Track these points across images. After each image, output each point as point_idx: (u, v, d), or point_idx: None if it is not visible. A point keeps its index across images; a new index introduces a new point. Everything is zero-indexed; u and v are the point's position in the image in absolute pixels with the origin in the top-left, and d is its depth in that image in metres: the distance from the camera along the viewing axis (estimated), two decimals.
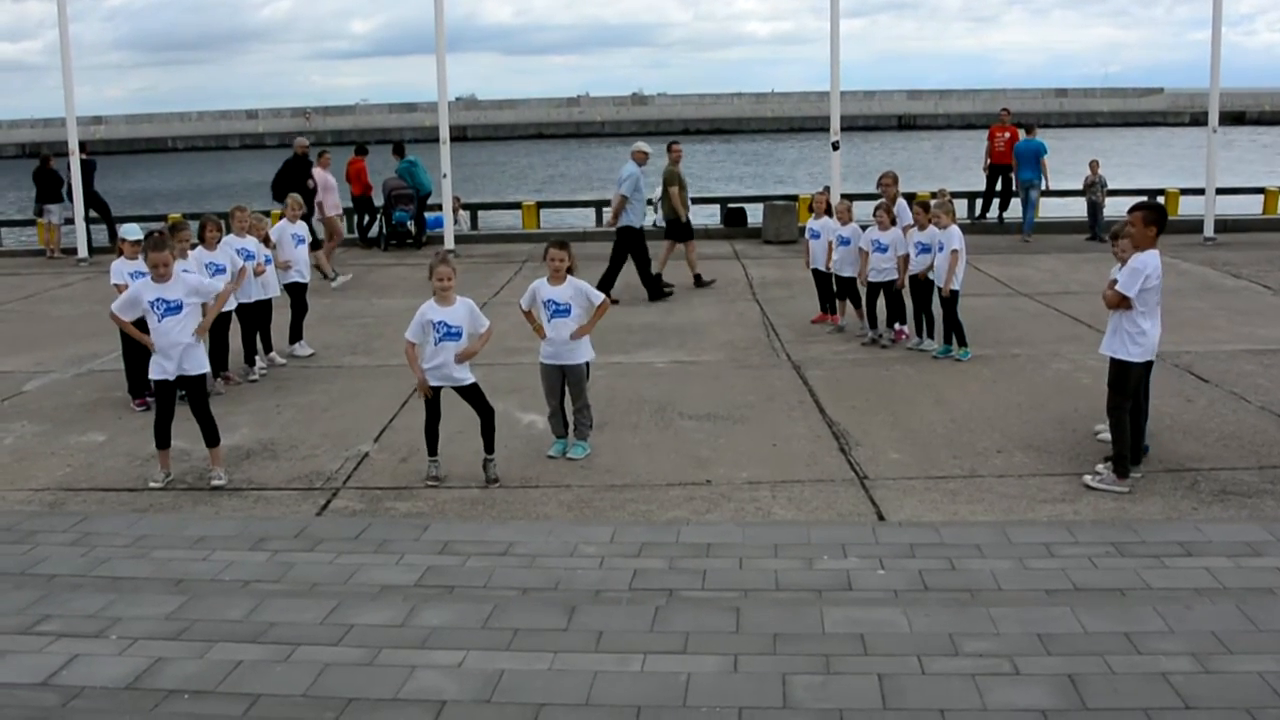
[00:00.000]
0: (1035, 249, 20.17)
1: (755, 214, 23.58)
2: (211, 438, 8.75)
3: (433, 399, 8.61)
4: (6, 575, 6.81)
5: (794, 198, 23.78)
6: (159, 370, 8.63)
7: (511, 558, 6.93)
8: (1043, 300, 15.31)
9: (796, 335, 13.60)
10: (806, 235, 14.52)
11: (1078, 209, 22.65)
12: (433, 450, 8.71)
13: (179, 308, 8.56)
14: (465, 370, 8.60)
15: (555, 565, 6.80)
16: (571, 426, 9.23)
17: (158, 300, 8.58)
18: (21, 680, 5.49)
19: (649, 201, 17.71)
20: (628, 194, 16.04)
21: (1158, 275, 8.03)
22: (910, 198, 14.88)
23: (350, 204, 23.18)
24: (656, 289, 16.32)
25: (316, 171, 19.75)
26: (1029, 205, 21.74)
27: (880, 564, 6.72)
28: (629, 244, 16.15)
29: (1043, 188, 21.79)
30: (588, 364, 9.27)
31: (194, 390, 8.70)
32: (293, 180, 18.81)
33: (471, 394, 8.67)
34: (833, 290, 13.96)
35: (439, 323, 8.46)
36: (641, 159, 16.41)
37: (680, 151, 17.54)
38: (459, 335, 8.48)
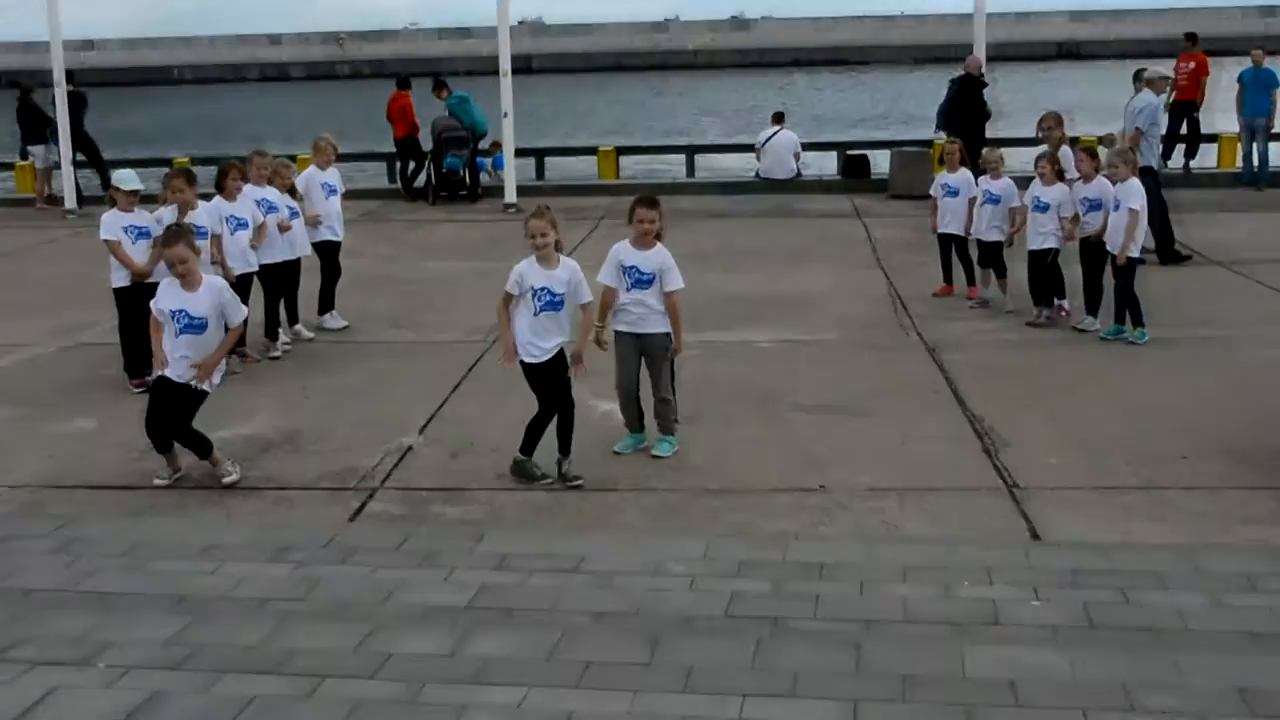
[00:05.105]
0: (1233, 206, 19.83)
1: (881, 162, 23.42)
2: (201, 451, 8.61)
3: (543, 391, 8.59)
4: None
5: (928, 144, 23.54)
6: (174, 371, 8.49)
7: (583, 575, 6.94)
8: (1241, 270, 15.06)
9: (931, 311, 13.51)
10: (937, 192, 14.32)
11: None
12: (564, 450, 8.63)
13: (203, 326, 8.46)
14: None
15: (636, 586, 6.80)
16: (655, 418, 9.16)
17: (179, 312, 8.43)
18: None
19: None
20: (1144, 128, 15.79)
21: None
22: (1074, 142, 14.63)
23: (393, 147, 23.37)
24: (1172, 253, 15.74)
25: None
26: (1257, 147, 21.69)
27: (1035, 593, 6.64)
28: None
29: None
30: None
31: (182, 400, 8.51)
32: (968, 105, 18.31)
33: (554, 370, 8.55)
34: (969, 259, 13.82)
35: (540, 289, 8.37)
36: (1161, 88, 16.40)
37: (1163, 84, 17.04)
38: (561, 305, 8.41)
